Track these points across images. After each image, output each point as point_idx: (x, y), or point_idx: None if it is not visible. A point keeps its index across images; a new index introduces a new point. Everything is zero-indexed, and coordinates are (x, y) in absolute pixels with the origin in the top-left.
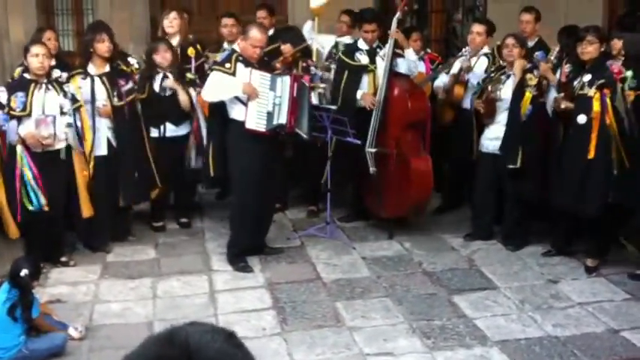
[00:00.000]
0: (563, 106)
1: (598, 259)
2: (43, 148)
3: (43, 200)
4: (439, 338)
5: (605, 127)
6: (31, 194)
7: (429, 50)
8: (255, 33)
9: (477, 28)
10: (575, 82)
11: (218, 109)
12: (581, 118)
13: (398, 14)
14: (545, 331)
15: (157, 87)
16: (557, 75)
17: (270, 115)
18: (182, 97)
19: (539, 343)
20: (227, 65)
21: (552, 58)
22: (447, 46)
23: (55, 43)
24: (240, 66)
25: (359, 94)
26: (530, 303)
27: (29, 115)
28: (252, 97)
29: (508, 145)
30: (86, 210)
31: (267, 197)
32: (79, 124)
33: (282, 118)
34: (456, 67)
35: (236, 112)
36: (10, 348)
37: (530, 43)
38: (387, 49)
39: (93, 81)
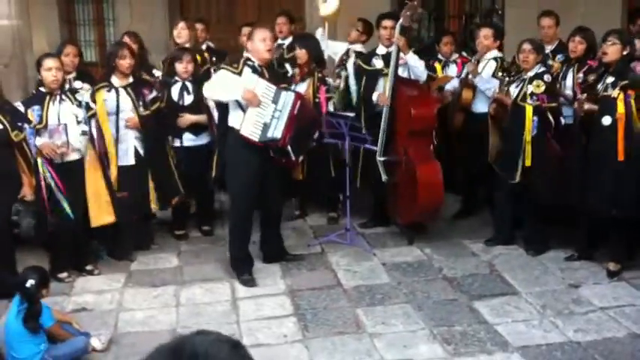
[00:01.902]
0: (586, 106)
1: (621, 264)
2: (60, 157)
3: (68, 209)
4: (460, 344)
5: (631, 129)
6: (64, 204)
7: (464, 54)
8: (259, 29)
9: (484, 32)
10: (599, 85)
11: (225, 115)
12: (606, 120)
13: (401, 20)
14: (567, 337)
15: (175, 96)
16: (569, 81)
17: (265, 127)
18: (201, 120)
19: (560, 349)
20: (234, 65)
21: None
22: (465, 51)
23: (74, 59)
24: (247, 70)
25: (375, 95)
26: (552, 308)
27: (45, 127)
28: (252, 104)
29: (506, 160)
30: (95, 219)
31: (265, 207)
32: (94, 131)
33: (277, 132)
34: (464, 72)
35: (233, 120)
36: (31, 356)
37: (551, 47)
38: (392, 54)
39: (118, 93)
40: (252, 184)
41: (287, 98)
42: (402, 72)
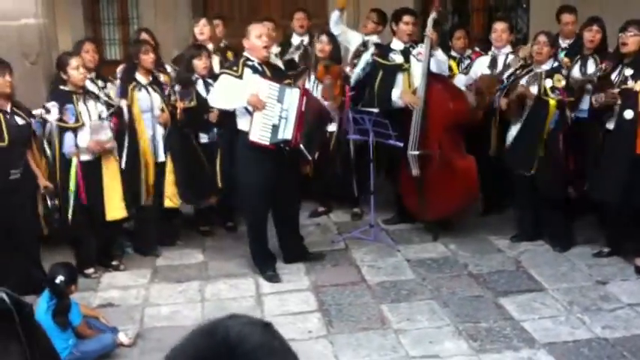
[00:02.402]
0: (607, 97)
1: None
2: (104, 151)
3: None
4: (486, 341)
5: None
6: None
7: (477, 49)
8: (253, 26)
9: (500, 25)
10: (614, 76)
11: (228, 118)
12: (628, 114)
13: (433, 14)
14: (594, 333)
15: (202, 93)
16: (590, 69)
17: (275, 129)
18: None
19: (587, 345)
20: (234, 68)
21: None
22: (489, 45)
23: (94, 55)
24: (247, 71)
25: (395, 93)
26: (579, 304)
27: (82, 125)
28: (258, 109)
29: (520, 152)
30: (111, 212)
31: (281, 208)
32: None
33: (287, 133)
34: (478, 69)
35: (243, 123)
36: (60, 351)
37: (569, 42)
38: (422, 49)
39: (148, 91)
40: (266, 186)
41: (292, 95)
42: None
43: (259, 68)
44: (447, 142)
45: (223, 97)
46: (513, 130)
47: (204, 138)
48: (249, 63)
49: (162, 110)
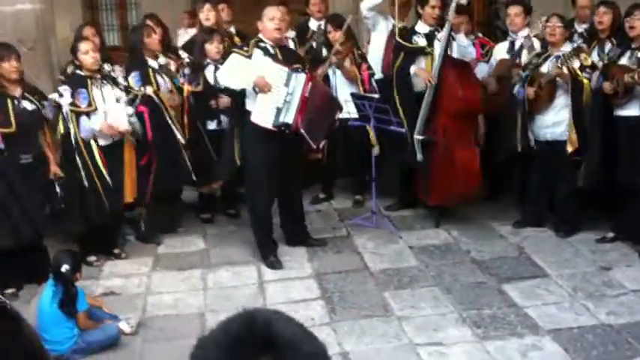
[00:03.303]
0: (629, 78)
1: None
2: (119, 136)
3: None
4: (490, 327)
5: None
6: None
7: (479, 34)
8: (268, 8)
9: (515, 9)
10: (624, 60)
11: (238, 99)
12: None
13: None
14: (599, 319)
15: (210, 79)
16: (594, 56)
17: (278, 111)
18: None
19: (592, 332)
20: (245, 48)
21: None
22: (491, 30)
23: (94, 38)
24: (258, 52)
25: (412, 68)
26: (583, 291)
27: (95, 109)
28: (264, 91)
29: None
30: (129, 194)
31: (286, 192)
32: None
33: (289, 117)
34: (498, 54)
35: (250, 103)
36: (65, 341)
37: (585, 26)
38: (444, 33)
39: (156, 74)
40: (271, 168)
41: (298, 80)
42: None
43: (271, 51)
44: (451, 130)
45: (230, 76)
46: (542, 121)
47: (211, 124)
48: (261, 45)
49: (171, 92)
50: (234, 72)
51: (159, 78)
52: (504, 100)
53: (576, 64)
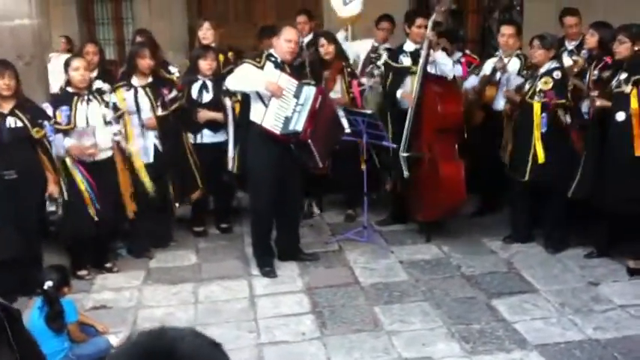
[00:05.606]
0: (598, 103)
1: None
2: (89, 157)
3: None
4: (478, 342)
5: None
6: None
7: (467, 52)
8: (288, 29)
9: (508, 29)
10: (614, 81)
11: (246, 110)
12: (620, 116)
13: (434, 16)
14: (586, 335)
15: (194, 94)
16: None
17: (287, 120)
18: (218, 117)
19: (579, 347)
20: (257, 59)
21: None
22: (484, 47)
23: (94, 56)
24: (269, 65)
25: (399, 93)
26: (571, 306)
27: (74, 128)
28: (276, 95)
29: (516, 158)
30: (130, 210)
31: (284, 202)
32: (122, 131)
33: (298, 125)
34: (487, 69)
35: (255, 114)
36: (55, 354)
37: (575, 43)
38: (423, 51)
39: (136, 92)
40: (273, 178)
41: (309, 92)
42: (429, 69)
43: (281, 65)
44: (436, 146)
45: (241, 80)
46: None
47: (194, 138)
48: (272, 59)
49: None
50: (246, 77)
51: (131, 95)
52: (481, 115)
53: (540, 85)
